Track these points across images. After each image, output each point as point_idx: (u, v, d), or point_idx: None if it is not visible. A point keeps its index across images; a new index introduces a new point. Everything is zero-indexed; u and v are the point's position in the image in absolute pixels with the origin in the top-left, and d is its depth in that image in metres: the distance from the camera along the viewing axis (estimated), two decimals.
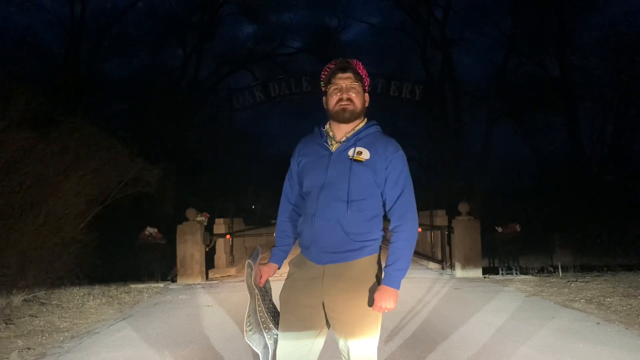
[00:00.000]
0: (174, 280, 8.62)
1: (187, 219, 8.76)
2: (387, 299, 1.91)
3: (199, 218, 8.90)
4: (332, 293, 1.96)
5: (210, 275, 9.11)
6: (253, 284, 2.08)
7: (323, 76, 2.11)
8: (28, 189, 6.78)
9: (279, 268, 2.20)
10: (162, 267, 8.81)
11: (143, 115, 19.05)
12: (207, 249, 8.88)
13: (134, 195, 8.91)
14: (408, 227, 1.99)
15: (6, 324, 5.12)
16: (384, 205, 2.05)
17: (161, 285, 8.06)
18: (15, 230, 6.46)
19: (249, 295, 2.08)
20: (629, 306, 5.41)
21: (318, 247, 1.99)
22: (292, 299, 2.03)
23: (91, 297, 6.74)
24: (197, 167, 19.33)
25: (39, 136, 6.98)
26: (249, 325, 2.07)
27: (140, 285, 7.88)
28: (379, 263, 2.04)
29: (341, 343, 2.01)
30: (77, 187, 7.38)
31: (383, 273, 1.99)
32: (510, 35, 20.70)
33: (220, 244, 9.89)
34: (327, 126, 2.13)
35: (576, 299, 5.97)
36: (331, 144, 2.07)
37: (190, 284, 8.22)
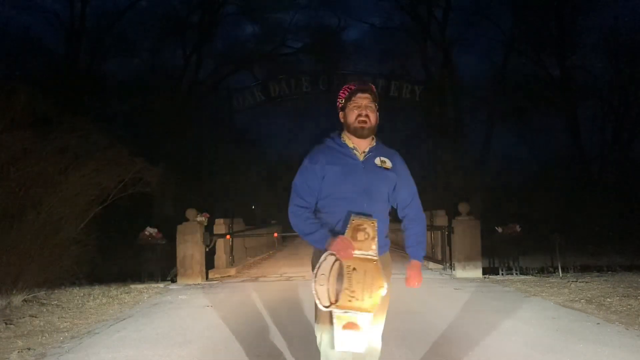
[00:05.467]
0: (174, 281, 8.62)
1: (187, 219, 8.77)
2: (418, 274, 2.32)
3: (199, 218, 8.90)
4: None
5: (211, 275, 9.11)
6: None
7: (342, 95, 2.37)
8: (28, 189, 6.76)
9: None
10: (162, 267, 8.81)
11: (143, 115, 19.02)
12: (207, 249, 8.88)
13: (134, 195, 8.89)
14: (424, 218, 2.43)
15: (6, 324, 5.12)
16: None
17: (161, 285, 8.06)
18: (15, 230, 6.45)
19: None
20: (629, 306, 5.41)
21: None
22: None
23: (91, 297, 6.74)
24: (197, 167, 19.31)
25: (39, 136, 6.97)
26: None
27: (140, 286, 7.88)
28: (390, 260, 2.39)
29: None
30: (77, 187, 7.36)
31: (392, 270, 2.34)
32: (510, 35, 20.69)
33: (220, 244, 9.89)
34: (343, 138, 2.36)
35: (576, 299, 5.97)
36: (357, 154, 2.34)
37: (190, 284, 8.22)
